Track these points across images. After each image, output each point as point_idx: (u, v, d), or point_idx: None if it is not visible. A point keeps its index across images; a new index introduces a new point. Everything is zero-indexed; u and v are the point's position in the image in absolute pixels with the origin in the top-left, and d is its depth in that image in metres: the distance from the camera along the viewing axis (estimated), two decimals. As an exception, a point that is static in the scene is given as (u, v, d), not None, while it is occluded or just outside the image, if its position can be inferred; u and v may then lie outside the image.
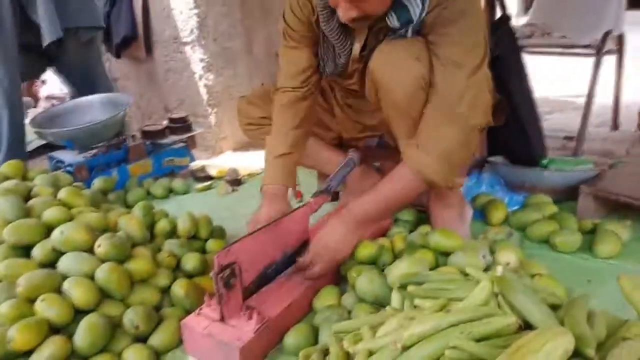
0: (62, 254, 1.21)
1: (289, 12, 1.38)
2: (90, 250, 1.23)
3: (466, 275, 1.00)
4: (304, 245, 1.34)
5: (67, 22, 2.21)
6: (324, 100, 1.66)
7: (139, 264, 1.24)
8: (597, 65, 2.25)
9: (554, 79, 3.80)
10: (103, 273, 1.16)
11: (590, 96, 2.24)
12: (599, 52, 2.23)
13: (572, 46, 2.40)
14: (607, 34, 2.22)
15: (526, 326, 0.75)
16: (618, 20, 2.42)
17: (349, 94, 1.53)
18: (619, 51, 2.42)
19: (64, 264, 1.19)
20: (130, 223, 1.37)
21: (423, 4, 1.16)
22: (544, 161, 1.79)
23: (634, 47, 3.03)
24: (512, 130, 1.81)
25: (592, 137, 2.46)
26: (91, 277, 1.16)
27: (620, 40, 2.39)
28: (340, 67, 1.37)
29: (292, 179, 1.47)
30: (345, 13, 1.13)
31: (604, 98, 2.72)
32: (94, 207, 1.49)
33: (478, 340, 0.71)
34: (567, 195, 1.70)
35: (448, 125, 1.19)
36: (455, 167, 1.25)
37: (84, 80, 2.48)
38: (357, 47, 1.32)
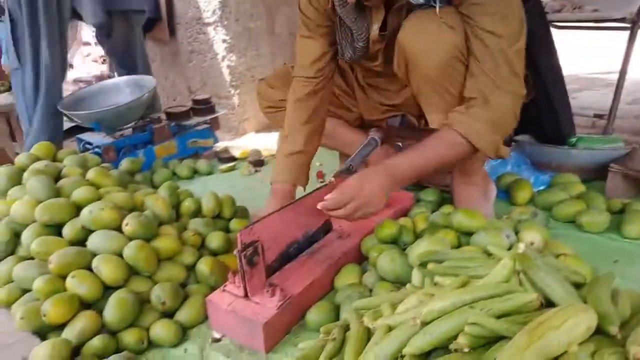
0: (92, 232, 1.26)
1: (306, 3, 1.36)
2: (118, 228, 1.26)
3: (489, 254, 0.99)
4: (325, 226, 1.35)
5: (115, 4, 2.27)
6: (344, 82, 1.65)
7: (166, 242, 1.28)
8: (631, 40, 2.15)
9: (584, 55, 3.67)
10: (131, 251, 1.19)
11: (623, 72, 2.16)
12: (634, 25, 2.14)
13: (605, 20, 2.30)
14: (642, 6, 2.12)
15: (548, 304, 0.75)
16: (655, -8, 2.31)
17: (372, 74, 1.51)
18: (655, 24, 2.31)
19: (93, 242, 1.23)
20: (156, 203, 1.40)
21: None
22: (572, 139, 1.74)
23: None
24: (540, 108, 1.76)
25: (623, 114, 2.38)
26: (119, 254, 1.20)
27: (656, 12, 2.28)
28: (359, 52, 1.35)
29: (302, 177, 1.47)
30: None
31: (637, 74, 2.62)
32: (122, 187, 1.53)
33: (498, 317, 0.71)
34: (595, 175, 1.65)
35: (496, 94, 1.16)
36: (503, 135, 1.22)
37: (125, 61, 2.53)
38: (375, 28, 1.30)
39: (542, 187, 1.64)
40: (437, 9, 1.16)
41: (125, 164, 1.93)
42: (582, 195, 1.52)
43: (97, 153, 2.04)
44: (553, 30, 1.87)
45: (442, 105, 1.24)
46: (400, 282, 1.13)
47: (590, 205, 1.46)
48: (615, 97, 2.15)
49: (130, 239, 1.23)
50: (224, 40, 2.61)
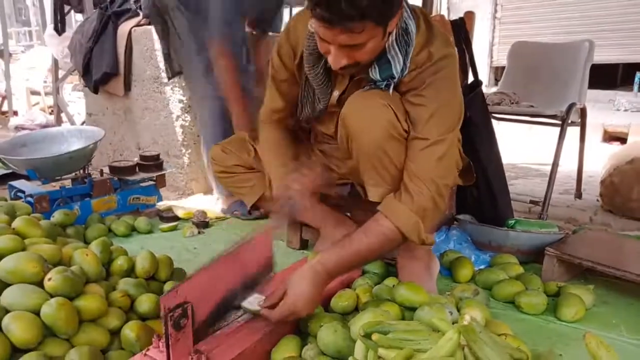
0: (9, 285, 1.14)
1: (276, 56, 1.43)
2: (39, 283, 1.15)
3: (433, 328, 0.97)
4: (268, 271, 1.30)
5: None
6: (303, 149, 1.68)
7: (90, 301, 1.17)
8: (561, 135, 2.34)
9: (520, 146, 3.95)
10: (50, 308, 1.08)
11: (555, 164, 2.32)
12: (563, 122, 2.34)
13: (539, 115, 2.51)
14: (571, 106, 2.34)
15: (491, 383, 0.73)
16: (581, 95, 2.56)
17: (324, 139, 1.55)
18: (582, 123, 2.54)
19: (8, 296, 1.11)
20: (85, 258, 1.31)
21: (404, 63, 1.21)
22: (511, 221, 1.82)
23: (593, 122, 3.19)
24: (481, 191, 1.85)
25: (556, 203, 2.53)
26: (37, 312, 1.08)
27: (583, 113, 2.51)
28: (316, 113, 1.39)
29: None
30: (335, 60, 1.14)
31: (568, 166, 2.82)
32: (50, 240, 1.42)
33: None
34: (532, 257, 1.71)
35: (424, 183, 1.21)
36: (428, 223, 1.25)
37: None
38: (336, 94, 1.36)
39: (482, 266, 1.68)
40: (391, 91, 1.24)
41: (57, 215, 1.81)
42: (520, 276, 1.56)
43: (29, 202, 1.91)
44: (493, 122, 2.01)
45: (378, 180, 1.28)
46: (341, 358, 1.08)
47: (528, 286, 1.49)
48: (549, 186, 2.29)
49: (52, 295, 1.13)
50: (180, 101, 2.61)
